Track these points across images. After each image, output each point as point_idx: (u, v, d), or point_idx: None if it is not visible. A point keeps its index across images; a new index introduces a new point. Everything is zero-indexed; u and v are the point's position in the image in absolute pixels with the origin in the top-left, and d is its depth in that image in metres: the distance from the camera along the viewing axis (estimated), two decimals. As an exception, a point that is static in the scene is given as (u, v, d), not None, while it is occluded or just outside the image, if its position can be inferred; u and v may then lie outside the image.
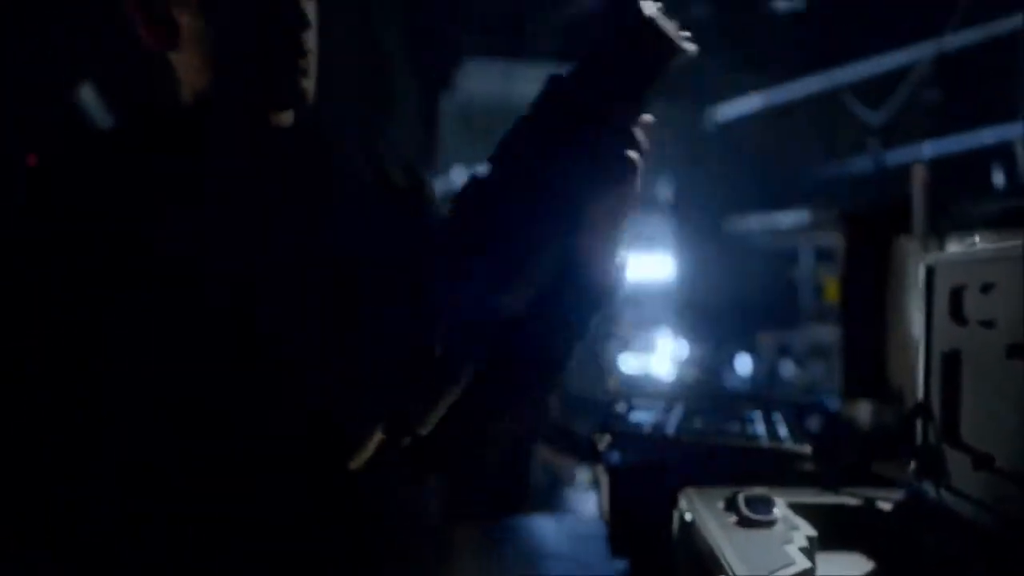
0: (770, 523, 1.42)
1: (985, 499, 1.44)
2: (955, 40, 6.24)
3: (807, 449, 1.85)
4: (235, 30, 1.38)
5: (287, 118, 1.46)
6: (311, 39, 1.41)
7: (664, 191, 10.23)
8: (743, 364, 7.56)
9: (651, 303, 9.07)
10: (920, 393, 1.64)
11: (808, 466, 1.83)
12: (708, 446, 1.84)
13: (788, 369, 7.00)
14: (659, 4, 1.20)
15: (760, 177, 9.57)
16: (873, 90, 6.77)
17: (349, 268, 1.40)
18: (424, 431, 1.28)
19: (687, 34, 1.20)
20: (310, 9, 1.40)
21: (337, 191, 1.48)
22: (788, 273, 8.80)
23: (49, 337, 1.36)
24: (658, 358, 7.99)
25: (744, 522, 1.42)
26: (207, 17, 1.37)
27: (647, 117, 1.23)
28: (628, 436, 1.90)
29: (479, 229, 1.23)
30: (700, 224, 9.85)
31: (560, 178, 1.20)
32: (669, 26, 1.19)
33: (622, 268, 1.29)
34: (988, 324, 1.46)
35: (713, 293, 8.98)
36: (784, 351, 7.28)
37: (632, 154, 1.20)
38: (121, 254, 1.36)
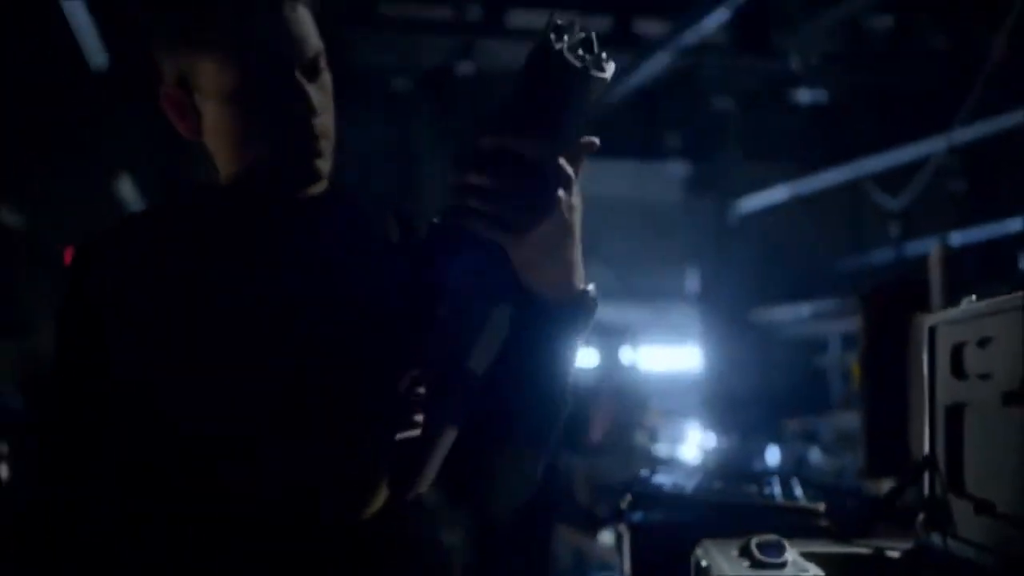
0: (781, 565, 1.49)
1: (988, 543, 1.50)
2: (975, 130, 6.36)
3: (821, 506, 1.92)
4: (250, 118, 1.49)
5: (318, 187, 1.57)
6: (323, 124, 1.51)
7: (691, 283, 10.33)
8: (771, 454, 7.58)
9: (680, 393, 9.12)
10: (926, 447, 1.71)
11: (822, 522, 1.89)
12: (725, 503, 1.92)
13: (816, 456, 7.01)
14: (570, 36, 1.20)
15: (785, 267, 9.65)
16: (895, 177, 6.89)
17: (365, 321, 1.50)
18: (424, 484, 1.37)
19: (607, 60, 1.21)
20: (319, 97, 1.51)
21: (362, 250, 1.58)
22: (816, 361, 8.84)
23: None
24: (686, 448, 8.03)
25: (756, 564, 1.49)
26: (225, 106, 1.49)
27: (591, 142, 1.26)
28: (649, 495, 1.97)
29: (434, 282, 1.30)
30: (727, 315, 9.91)
31: (484, 219, 1.22)
32: (579, 57, 1.19)
33: (590, 292, 1.34)
34: (986, 376, 1.53)
35: (740, 382, 9.02)
36: (812, 438, 7.30)
37: (559, 193, 1.24)
38: (163, 313, 1.49)
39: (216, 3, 1.49)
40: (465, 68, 9.19)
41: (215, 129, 1.53)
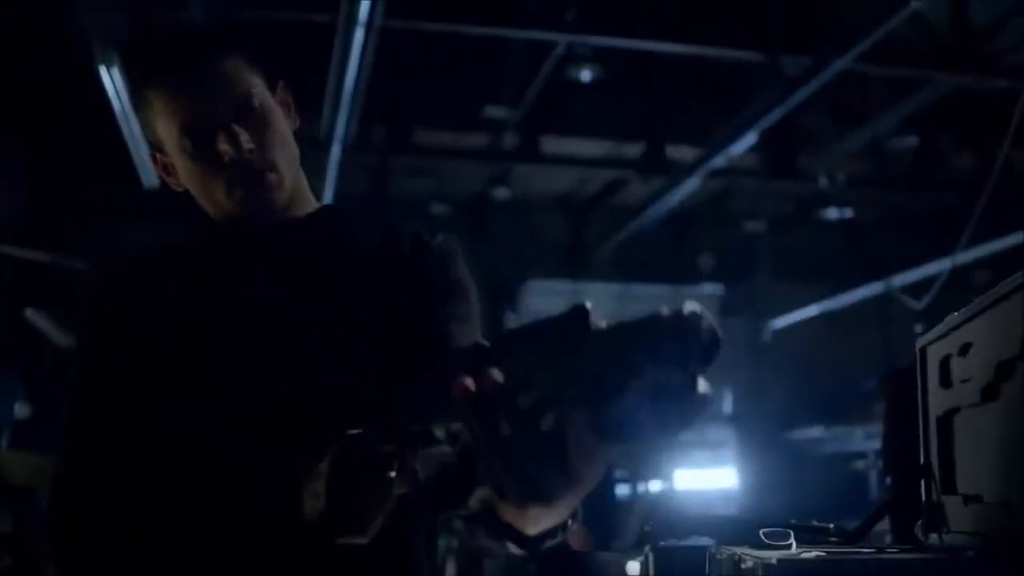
0: (787, 546, 1.64)
1: (977, 530, 1.63)
2: (994, 246, 6.52)
3: (831, 526, 2.05)
4: (201, 165, 1.67)
5: (299, 210, 1.78)
6: (263, 158, 1.67)
7: (725, 403, 10.41)
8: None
9: (718, 509, 9.14)
10: (922, 457, 1.86)
11: (832, 540, 2.03)
12: (743, 521, 2.05)
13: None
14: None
15: (818, 383, 9.73)
16: (920, 289, 7.05)
17: (347, 329, 1.66)
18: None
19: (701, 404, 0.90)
20: (251, 134, 1.65)
21: (346, 263, 1.76)
22: (854, 465, 8.83)
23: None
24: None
25: (763, 547, 1.64)
26: (183, 159, 1.68)
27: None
28: (672, 518, 2.12)
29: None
30: (761, 434, 9.97)
31: None
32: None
33: (568, 527, 1.17)
34: (967, 380, 1.68)
35: (774, 499, 9.02)
36: (848, 546, 7.27)
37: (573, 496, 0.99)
38: (161, 332, 1.67)
39: (155, 71, 1.67)
40: (501, 193, 9.49)
41: (186, 180, 1.72)
